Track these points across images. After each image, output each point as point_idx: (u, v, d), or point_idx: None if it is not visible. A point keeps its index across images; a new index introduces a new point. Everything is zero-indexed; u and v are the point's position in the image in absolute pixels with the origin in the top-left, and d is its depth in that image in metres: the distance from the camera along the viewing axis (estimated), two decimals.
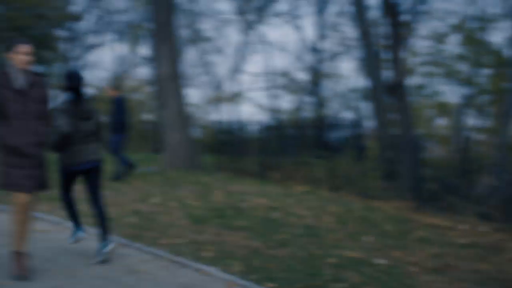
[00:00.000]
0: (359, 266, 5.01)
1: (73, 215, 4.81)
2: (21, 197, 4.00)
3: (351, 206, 8.24)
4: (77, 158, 4.48)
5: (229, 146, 11.91)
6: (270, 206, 7.73)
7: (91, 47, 30.00)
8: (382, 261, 5.24)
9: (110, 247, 4.61)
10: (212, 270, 4.55)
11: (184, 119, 11.25)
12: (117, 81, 12.23)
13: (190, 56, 23.80)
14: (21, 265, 4.06)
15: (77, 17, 28.24)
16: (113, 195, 7.95)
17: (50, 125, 4.21)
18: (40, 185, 4.11)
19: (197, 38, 24.96)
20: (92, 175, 4.61)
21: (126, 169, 9.33)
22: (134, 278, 4.31)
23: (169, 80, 11.12)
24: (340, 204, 8.32)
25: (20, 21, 24.63)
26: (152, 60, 12.80)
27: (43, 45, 27.19)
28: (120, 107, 9.15)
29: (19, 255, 4.07)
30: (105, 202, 4.78)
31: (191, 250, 5.21)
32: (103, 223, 4.62)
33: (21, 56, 4.02)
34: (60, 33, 27.72)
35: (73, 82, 4.55)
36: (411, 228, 7.16)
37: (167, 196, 8.10)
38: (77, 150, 4.47)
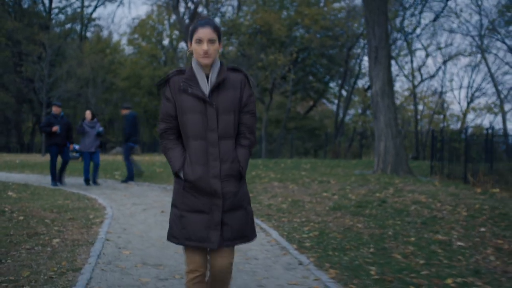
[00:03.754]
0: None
1: None
2: (198, 257, 2.88)
3: (500, 203, 8.35)
4: None
5: (442, 152, 12.50)
6: (417, 201, 8.58)
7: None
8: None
9: None
10: (273, 233, 6.26)
11: (393, 130, 12.50)
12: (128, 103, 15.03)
13: None
14: None
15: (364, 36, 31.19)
16: (297, 190, 10.16)
17: (251, 147, 2.95)
18: (234, 236, 2.85)
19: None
20: None
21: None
22: None
23: (380, 97, 12.59)
24: (489, 201, 8.52)
25: (315, 42, 29.28)
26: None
27: (335, 63, 31.34)
28: (129, 122, 12.14)
29: None
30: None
31: (296, 225, 6.97)
32: None
33: (196, 45, 2.83)
34: (353, 51, 31.24)
35: None
36: None
37: (341, 191, 9.78)
38: None
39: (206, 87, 2.83)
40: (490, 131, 11.66)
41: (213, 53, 2.82)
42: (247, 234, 2.91)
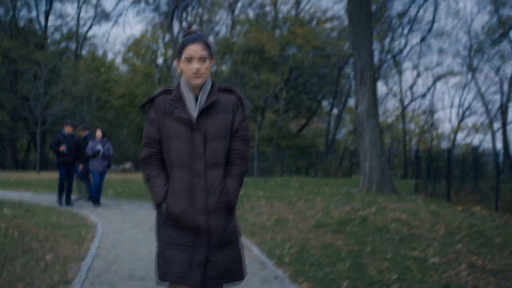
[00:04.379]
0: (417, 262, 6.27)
1: None
2: None
3: (479, 221, 8.71)
4: None
5: (428, 172, 12.90)
6: (398, 219, 8.93)
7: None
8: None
9: None
10: (254, 249, 6.60)
11: (378, 149, 12.90)
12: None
13: None
14: None
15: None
16: (283, 208, 10.50)
17: (242, 176, 2.73)
18: (220, 275, 2.66)
19: None
20: None
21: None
22: None
23: (366, 117, 13.01)
24: (469, 219, 8.89)
25: (308, 61, 29.87)
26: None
27: (327, 81, 31.93)
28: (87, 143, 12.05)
29: None
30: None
31: (279, 242, 7.29)
32: None
33: (185, 64, 2.61)
34: (344, 70, 31.80)
35: None
36: None
37: (325, 209, 10.12)
38: None
39: (194, 110, 2.60)
40: (473, 150, 12.07)
41: (205, 72, 2.60)
42: (236, 273, 2.68)
